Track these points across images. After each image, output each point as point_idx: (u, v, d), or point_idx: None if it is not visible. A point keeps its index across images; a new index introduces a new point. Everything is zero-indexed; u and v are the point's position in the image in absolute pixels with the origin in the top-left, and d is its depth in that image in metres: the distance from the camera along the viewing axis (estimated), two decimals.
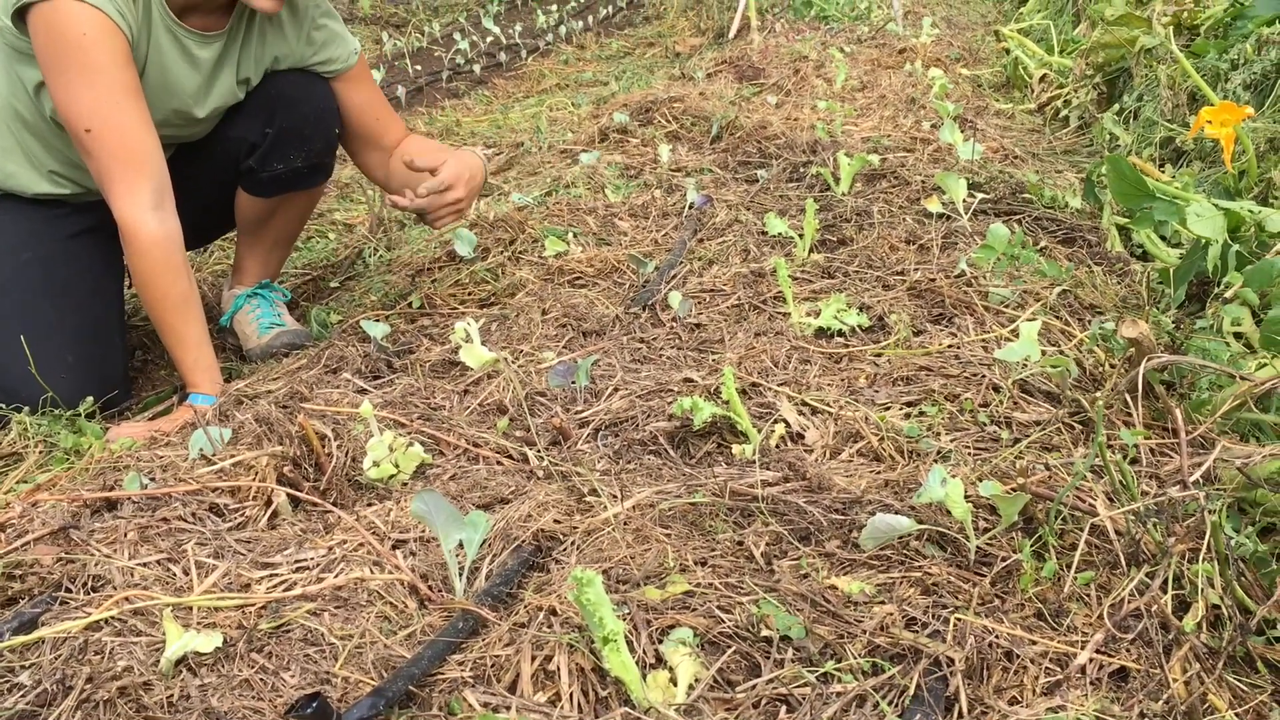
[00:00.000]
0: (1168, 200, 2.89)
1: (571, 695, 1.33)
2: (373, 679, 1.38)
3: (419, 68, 7.24)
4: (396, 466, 1.95)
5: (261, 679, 1.38)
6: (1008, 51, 6.32)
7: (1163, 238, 3.10)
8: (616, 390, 2.21)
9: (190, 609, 1.52)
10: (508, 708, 1.29)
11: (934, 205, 3.30)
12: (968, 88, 5.79)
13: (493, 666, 1.38)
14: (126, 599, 1.53)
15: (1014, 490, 1.56)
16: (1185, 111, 3.86)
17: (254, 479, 1.81)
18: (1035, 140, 4.88)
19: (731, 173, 4.01)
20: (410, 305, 2.92)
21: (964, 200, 3.25)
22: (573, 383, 2.22)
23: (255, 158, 2.78)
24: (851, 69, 5.71)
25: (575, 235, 3.23)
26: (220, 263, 3.79)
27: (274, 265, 3.02)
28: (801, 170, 3.86)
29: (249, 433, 1.97)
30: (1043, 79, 5.74)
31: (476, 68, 7.22)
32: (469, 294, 2.94)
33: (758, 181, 3.82)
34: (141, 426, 2.37)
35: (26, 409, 2.43)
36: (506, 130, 5.71)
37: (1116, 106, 4.18)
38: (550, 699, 1.33)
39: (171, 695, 1.36)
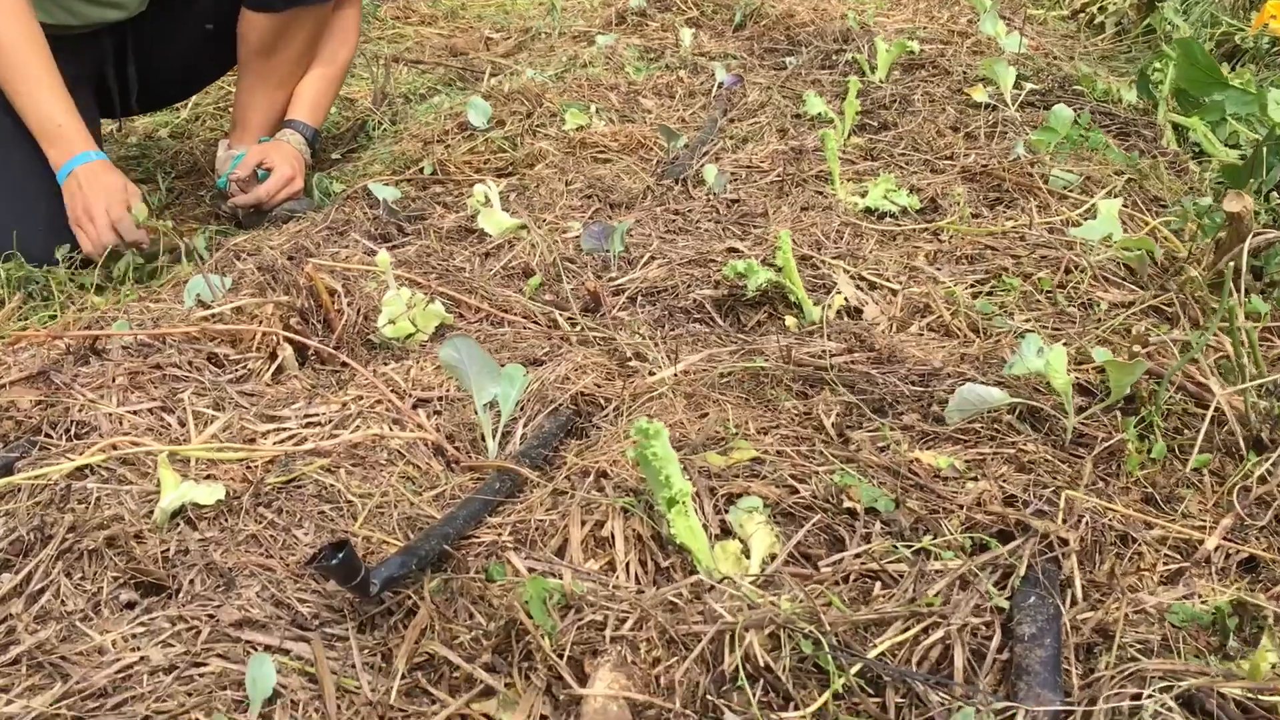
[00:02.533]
0: (1241, 89, 2.70)
1: (628, 564, 1.16)
2: (399, 540, 1.21)
3: None
4: (414, 325, 1.76)
5: (271, 535, 1.21)
6: None
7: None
8: (653, 259, 2.02)
9: (187, 460, 1.34)
10: (557, 575, 1.12)
11: (979, 95, 3.10)
12: None
13: (536, 530, 1.20)
14: (114, 446, 1.35)
15: (1128, 360, 1.39)
16: (1244, 9, 3.65)
17: (257, 327, 1.62)
18: (1070, 46, 4.65)
19: (759, 59, 3.78)
20: (421, 171, 2.70)
21: (1011, 91, 3.04)
22: (606, 248, 2.03)
23: None
24: None
25: (597, 110, 3.01)
26: (214, 129, 3.56)
27: (277, 112, 2.79)
28: (834, 58, 3.63)
29: (251, 282, 1.78)
30: None
31: None
32: (485, 163, 2.73)
33: (786, 68, 3.59)
34: None
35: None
36: (515, 16, 5.43)
37: (1170, 4, 3.95)
38: (604, 567, 1.16)
39: (167, 549, 1.18)
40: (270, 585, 1.12)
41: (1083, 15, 5.14)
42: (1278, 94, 2.42)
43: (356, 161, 3.16)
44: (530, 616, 1.00)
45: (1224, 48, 3.62)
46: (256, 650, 1.04)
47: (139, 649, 1.05)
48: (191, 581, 1.13)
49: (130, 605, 1.11)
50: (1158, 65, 3.30)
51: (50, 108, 2.27)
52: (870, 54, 3.46)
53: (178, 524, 1.22)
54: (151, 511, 1.23)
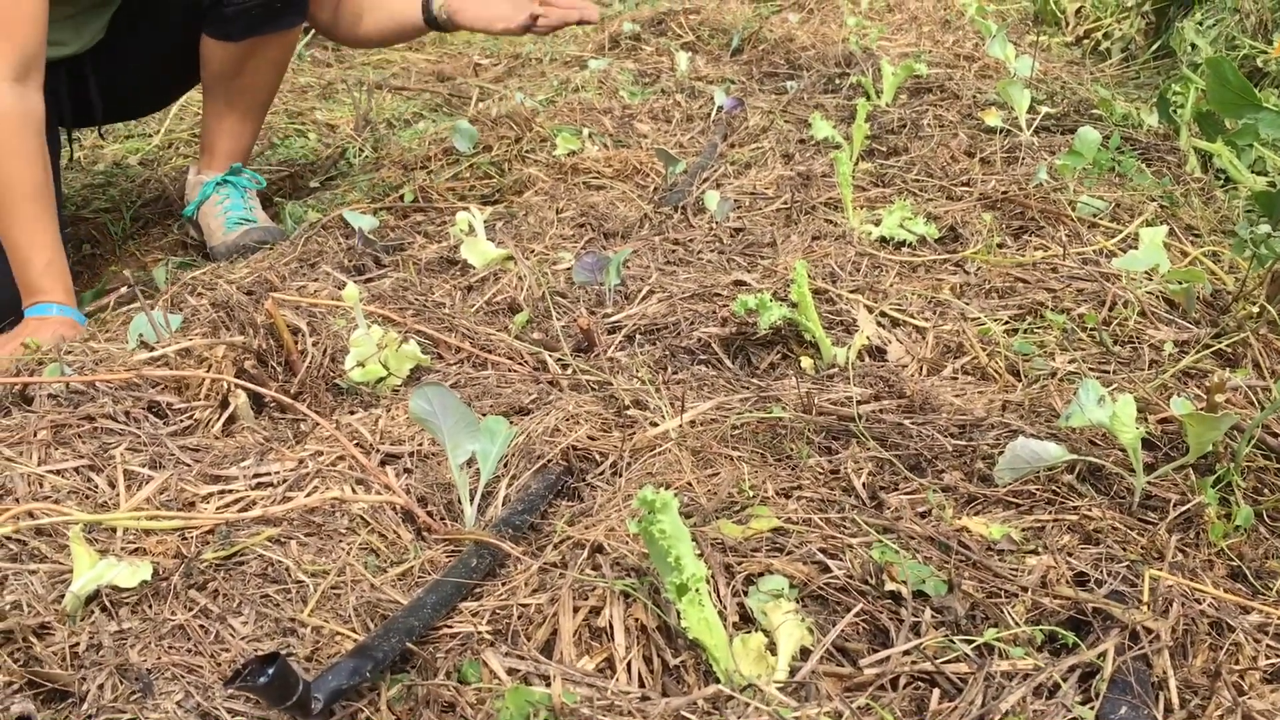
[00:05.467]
0: (1277, 111, 2.53)
1: (630, 663, 0.96)
2: (354, 631, 1.02)
3: None
4: (386, 368, 1.57)
5: (202, 625, 1.01)
6: None
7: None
8: (652, 293, 1.83)
9: (113, 530, 1.15)
10: (544, 678, 0.93)
11: (992, 119, 2.93)
12: (994, 22, 5.42)
13: (519, 619, 1.01)
14: (29, 514, 1.15)
15: (1208, 411, 1.20)
16: (1266, 31, 3.50)
17: (206, 371, 1.43)
18: (1076, 73, 4.51)
19: (758, 83, 3.63)
20: (401, 199, 2.52)
21: (1026, 115, 2.88)
22: (600, 281, 1.85)
23: None
24: None
25: (591, 135, 2.84)
26: (185, 155, 3.39)
27: (247, 139, 2.61)
28: (837, 81, 3.47)
29: (203, 320, 1.59)
30: (1078, 12, 5.39)
31: None
32: (470, 189, 2.55)
33: (787, 92, 3.43)
34: None
35: None
36: (504, 41, 5.28)
37: (1192, 20, 3.79)
38: (600, 666, 0.96)
39: (76, 643, 0.98)
40: (195, 691, 0.93)
41: (1087, 41, 5.02)
42: None
43: (335, 189, 2.98)
44: None
45: (1243, 70, 3.46)
46: None
47: None
48: (101, 687, 0.93)
49: (24, 719, 0.91)
50: (1178, 89, 3.14)
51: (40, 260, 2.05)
52: (875, 77, 3.30)
53: (91, 612, 1.03)
54: (62, 596, 1.04)
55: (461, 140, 2.77)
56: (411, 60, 4.77)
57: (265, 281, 1.86)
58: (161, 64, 2.53)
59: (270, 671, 0.78)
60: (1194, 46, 3.49)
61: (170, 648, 0.98)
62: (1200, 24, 3.92)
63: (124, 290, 2.27)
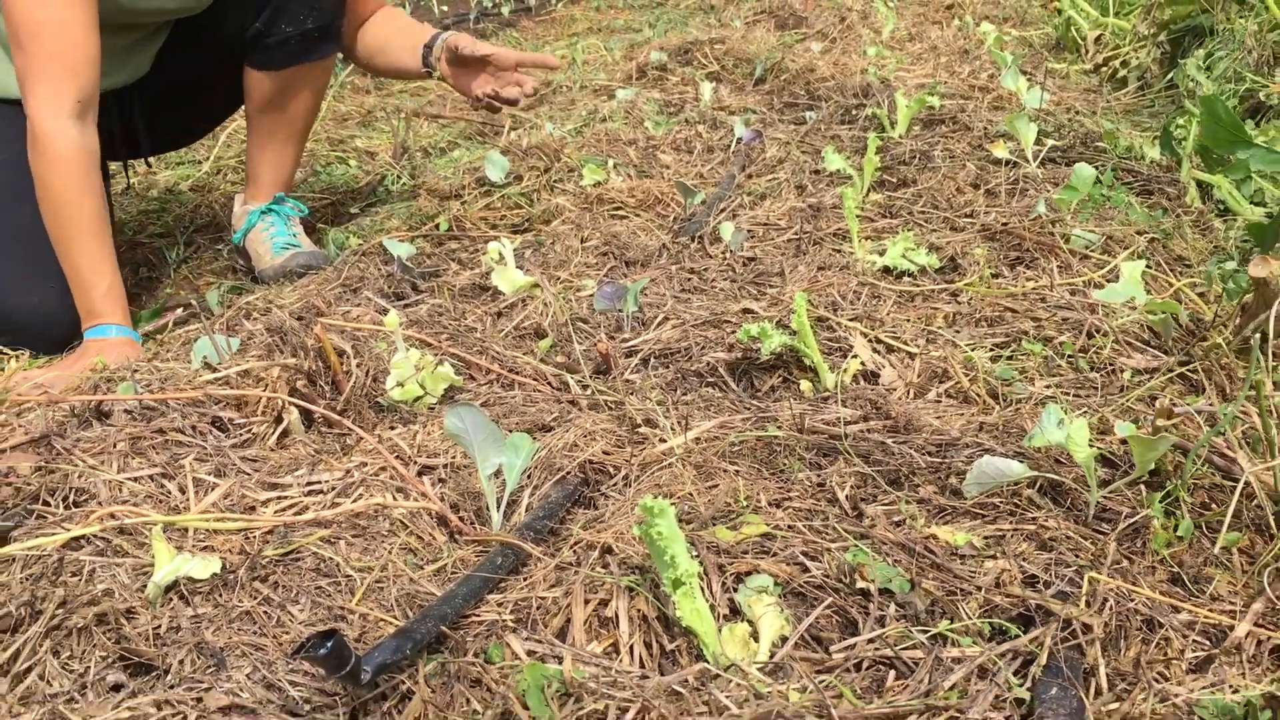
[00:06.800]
0: (1267, 148, 2.65)
1: (632, 647, 1.12)
2: (396, 618, 1.18)
3: (445, 8, 6.99)
4: (423, 388, 1.73)
5: (265, 611, 1.17)
6: (1059, 12, 6.06)
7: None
8: (667, 319, 1.99)
9: (185, 530, 1.32)
10: (558, 658, 1.08)
11: (1000, 151, 3.07)
12: (1016, 47, 5.55)
13: (538, 609, 1.17)
14: (112, 515, 1.32)
15: (1152, 434, 1.34)
16: (1269, 66, 3.62)
17: (263, 390, 1.60)
18: (1093, 100, 4.63)
19: (778, 113, 3.78)
20: (437, 228, 2.69)
21: (1033, 147, 3.02)
22: (619, 309, 2.00)
23: (263, 19, 2.55)
24: (898, 21, 5.47)
25: (615, 166, 3.00)
26: (233, 181, 3.58)
27: (288, 167, 2.79)
28: (854, 113, 3.62)
29: (259, 343, 1.76)
30: (1098, 40, 5.50)
31: (505, 10, 6.97)
32: (501, 218, 2.72)
33: (806, 123, 3.59)
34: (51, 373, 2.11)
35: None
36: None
37: (1201, 52, 3.92)
38: (607, 649, 1.12)
39: (159, 625, 1.15)
40: (261, 666, 1.09)
41: (1104, 69, 5.13)
42: None
43: (374, 216, 3.16)
44: (526, 707, 0.96)
45: (1248, 104, 3.58)
46: None
47: None
48: (181, 662, 1.10)
49: (117, 688, 1.08)
50: (1181, 122, 3.27)
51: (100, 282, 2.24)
52: (890, 109, 3.45)
53: (171, 599, 1.19)
54: (145, 585, 1.20)
55: (494, 170, 2.95)
56: (447, 89, 4.95)
57: (313, 307, 2.03)
58: (203, 94, 2.74)
59: (329, 644, 0.94)
60: (1197, 82, 3.62)
61: (239, 630, 1.14)
62: (1209, 55, 4.04)
63: (179, 312, 2.46)
